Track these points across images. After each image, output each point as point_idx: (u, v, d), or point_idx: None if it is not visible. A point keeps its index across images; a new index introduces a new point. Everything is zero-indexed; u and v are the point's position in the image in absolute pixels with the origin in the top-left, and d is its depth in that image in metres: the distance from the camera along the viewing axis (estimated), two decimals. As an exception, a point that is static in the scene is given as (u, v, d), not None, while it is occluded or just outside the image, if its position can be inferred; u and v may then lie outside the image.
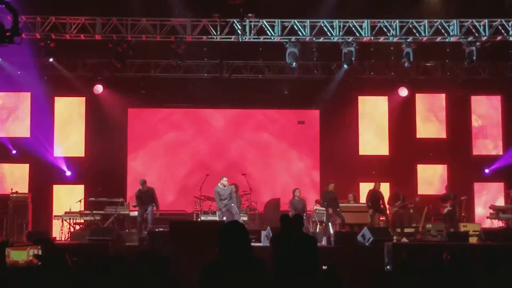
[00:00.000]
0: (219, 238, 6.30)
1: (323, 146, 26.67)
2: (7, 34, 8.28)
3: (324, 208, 22.48)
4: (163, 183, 25.00)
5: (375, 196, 22.72)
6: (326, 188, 22.19)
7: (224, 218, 20.49)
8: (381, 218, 22.81)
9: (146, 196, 21.70)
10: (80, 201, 23.84)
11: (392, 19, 22.44)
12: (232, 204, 21.04)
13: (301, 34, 22.41)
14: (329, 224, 21.37)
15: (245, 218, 22.44)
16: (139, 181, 22.18)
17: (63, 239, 22.59)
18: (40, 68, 24.45)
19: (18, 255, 10.32)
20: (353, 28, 22.42)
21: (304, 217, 21.50)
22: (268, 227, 19.05)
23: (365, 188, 24.01)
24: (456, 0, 23.39)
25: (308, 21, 22.40)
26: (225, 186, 21.12)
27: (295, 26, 22.39)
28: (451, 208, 23.21)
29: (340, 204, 22.29)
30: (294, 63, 22.83)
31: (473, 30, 22.37)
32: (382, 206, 22.73)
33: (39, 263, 9.25)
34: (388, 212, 23.26)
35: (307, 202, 22.64)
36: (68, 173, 25.91)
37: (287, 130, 26.90)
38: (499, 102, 27.06)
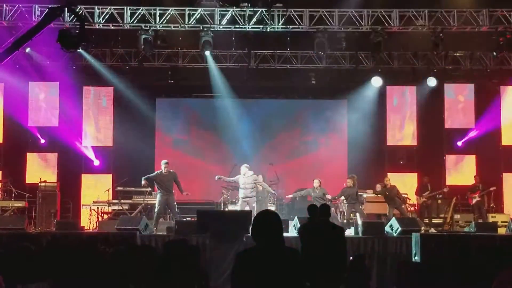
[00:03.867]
0: (253, 226, 6.30)
1: (350, 136, 26.62)
2: (74, 40, 8.32)
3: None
4: (190, 173, 25.01)
5: (389, 193, 22.33)
6: (345, 184, 21.97)
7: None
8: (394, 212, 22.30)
9: (168, 181, 20.54)
10: (108, 190, 23.92)
11: (421, 9, 22.33)
12: (253, 204, 20.91)
13: (329, 24, 22.36)
14: (357, 215, 21.30)
15: (273, 208, 22.42)
16: (161, 163, 20.96)
17: (91, 228, 22.71)
18: (68, 57, 24.52)
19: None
20: (382, 18, 22.33)
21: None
22: (296, 217, 19.04)
23: (393, 178, 23.84)
24: (486, -11, 23.21)
25: (336, 10, 22.34)
26: (244, 174, 20.96)
27: (323, 15, 22.33)
28: (480, 199, 23.11)
29: (368, 195, 22.31)
30: (322, 53, 22.77)
31: (503, 20, 22.20)
32: (400, 200, 22.34)
33: None
34: (416, 205, 23.22)
35: (334, 192, 22.42)
36: (96, 162, 26.06)
37: (314, 120, 26.86)
38: (528, 92, 26.85)
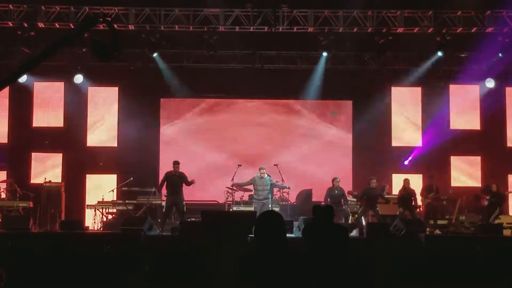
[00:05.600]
0: (256, 227, 6.28)
1: (355, 137, 26.61)
2: (108, 51, 8.32)
3: (356, 200, 22.63)
4: (195, 173, 25.00)
5: (406, 194, 22.38)
6: (367, 184, 21.96)
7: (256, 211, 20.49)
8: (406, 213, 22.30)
9: (177, 182, 20.69)
10: (112, 190, 23.90)
11: (426, 10, 22.31)
12: (269, 205, 21.00)
13: (334, 25, 22.36)
14: (362, 216, 21.34)
15: (277, 209, 22.42)
16: (172, 163, 21.03)
17: (95, 228, 22.72)
18: (73, 57, 24.54)
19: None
20: (387, 19, 22.33)
21: (344, 207, 21.64)
22: (300, 218, 19.03)
23: (397, 179, 23.86)
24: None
25: (341, 11, 22.36)
26: (261, 178, 21.15)
27: (328, 16, 22.33)
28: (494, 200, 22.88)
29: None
30: (326, 54, 22.78)
31: (508, 21, 22.18)
32: (413, 203, 22.40)
33: None
34: (421, 206, 23.20)
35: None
36: (101, 162, 26.04)
37: (319, 120, 26.84)
38: (534, 93, 26.82)
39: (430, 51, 24.22)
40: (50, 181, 23.81)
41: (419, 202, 23.70)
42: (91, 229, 22.25)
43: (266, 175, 21.27)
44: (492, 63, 24.85)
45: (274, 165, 23.48)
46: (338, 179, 21.87)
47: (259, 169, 21.41)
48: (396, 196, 22.59)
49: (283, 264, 6.10)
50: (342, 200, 21.62)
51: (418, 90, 26.67)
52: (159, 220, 21.40)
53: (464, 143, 26.27)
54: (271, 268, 6.06)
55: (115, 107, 26.50)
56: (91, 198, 25.03)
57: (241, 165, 23.15)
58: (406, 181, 22.58)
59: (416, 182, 24.61)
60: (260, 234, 6.25)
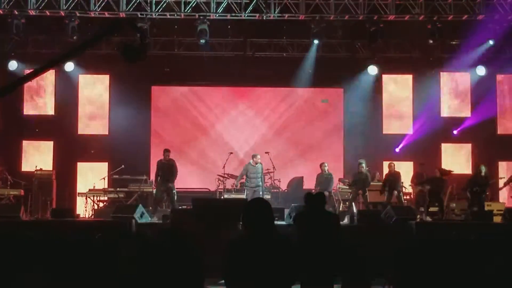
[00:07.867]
0: (244, 215, 6.30)
1: (346, 125, 26.61)
2: (137, 53, 8.32)
3: (347, 187, 22.68)
4: (186, 161, 24.99)
5: (392, 178, 22.33)
6: (356, 169, 21.99)
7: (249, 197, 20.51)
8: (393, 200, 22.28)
9: (168, 169, 20.90)
10: (104, 178, 23.90)
11: (417, -3, 22.32)
12: (260, 193, 21.05)
13: (325, 12, 22.32)
14: (353, 203, 21.37)
15: (268, 197, 22.45)
16: (163, 150, 21.28)
17: (87, 216, 22.71)
18: (63, 46, 24.43)
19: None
20: (378, 6, 22.30)
21: (332, 192, 21.68)
22: (292, 205, 19.05)
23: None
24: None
25: (332, -1, 22.34)
26: (255, 164, 21.25)
27: (319, 4, 22.29)
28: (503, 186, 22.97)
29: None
30: (317, 42, 22.75)
31: (499, 9, 22.18)
32: (400, 185, 22.34)
33: None
34: (411, 193, 23.24)
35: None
36: (92, 150, 25.99)
37: (310, 108, 26.84)
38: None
39: (421, 39, 24.19)
40: (41, 169, 23.76)
41: (410, 189, 23.78)
42: (82, 217, 22.25)
43: (259, 163, 21.34)
44: (483, 50, 24.85)
45: (265, 152, 23.50)
46: (325, 164, 21.93)
47: (252, 156, 21.48)
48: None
49: (270, 251, 6.12)
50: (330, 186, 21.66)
51: (409, 78, 26.68)
52: (150, 207, 21.42)
53: (454, 130, 26.34)
54: (259, 255, 6.07)
55: (106, 95, 26.43)
56: (82, 186, 24.99)
57: (232, 153, 23.19)
58: (391, 165, 22.51)
59: (407, 170, 24.68)
60: (247, 221, 6.27)
